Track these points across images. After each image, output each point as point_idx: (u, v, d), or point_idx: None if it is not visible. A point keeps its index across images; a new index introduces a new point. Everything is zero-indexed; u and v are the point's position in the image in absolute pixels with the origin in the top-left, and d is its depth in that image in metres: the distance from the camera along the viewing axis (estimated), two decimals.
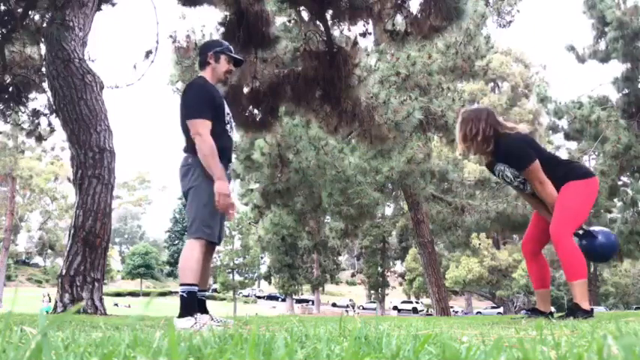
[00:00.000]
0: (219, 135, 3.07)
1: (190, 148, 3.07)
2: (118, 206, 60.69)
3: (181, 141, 3.21)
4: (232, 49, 3.31)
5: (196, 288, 2.92)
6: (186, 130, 3.08)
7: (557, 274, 31.30)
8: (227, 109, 3.21)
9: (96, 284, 6.15)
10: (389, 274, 44.41)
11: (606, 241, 3.37)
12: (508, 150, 3.31)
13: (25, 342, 0.96)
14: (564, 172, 3.32)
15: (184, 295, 2.86)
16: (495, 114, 3.44)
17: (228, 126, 3.18)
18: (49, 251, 57.71)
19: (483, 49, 12.45)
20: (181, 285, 2.90)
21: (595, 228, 3.50)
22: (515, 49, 42.31)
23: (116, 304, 37.39)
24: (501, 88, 41.44)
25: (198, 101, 3.04)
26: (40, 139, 11.37)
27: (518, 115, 39.69)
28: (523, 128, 3.44)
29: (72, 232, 6.30)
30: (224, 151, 3.08)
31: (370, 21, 6.61)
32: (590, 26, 13.34)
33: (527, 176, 3.29)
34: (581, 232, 3.40)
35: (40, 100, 11.09)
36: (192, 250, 2.93)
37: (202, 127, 2.96)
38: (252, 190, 13.03)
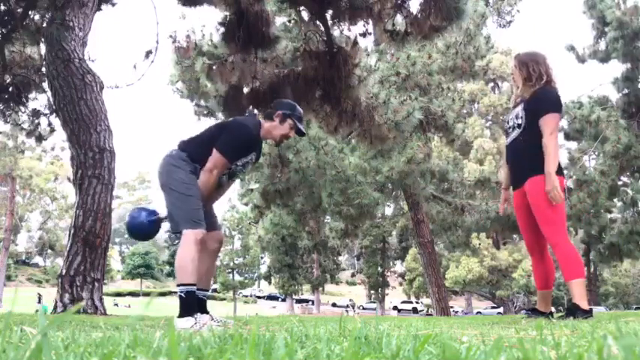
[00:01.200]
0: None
1: (183, 144, 3.10)
2: (118, 206, 60.66)
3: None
4: (302, 117, 3.29)
5: (194, 287, 2.90)
6: (202, 141, 3.10)
7: (557, 274, 31.27)
8: (242, 161, 3.18)
9: (96, 284, 6.15)
10: (389, 274, 44.42)
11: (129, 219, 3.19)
12: (547, 94, 3.33)
13: (25, 342, 0.96)
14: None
15: (183, 295, 2.86)
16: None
17: (227, 171, 3.16)
18: (49, 251, 57.73)
19: (483, 49, 12.45)
20: (179, 285, 2.89)
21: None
22: (515, 49, 42.29)
23: (116, 304, 37.39)
24: (501, 88, 41.42)
25: (237, 145, 3.09)
26: (40, 139, 11.37)
27: None
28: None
29: (72, 232, 6.30)
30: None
31: (370, 21, 6.61)
32: (590, 26, 13.34)
33: (546, 122, 3.27)
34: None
35: (40, 100, 11.09)
36: (186, 248, 2.90)
37: (221, 167, 3.03)
38: (252, 190, 13.03)
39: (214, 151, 3.00)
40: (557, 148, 3.28)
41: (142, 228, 3.16)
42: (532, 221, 3.38)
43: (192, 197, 2.95)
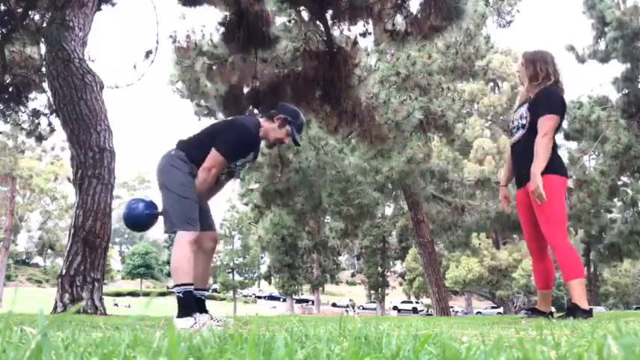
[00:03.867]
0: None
1: (182, 144, 3.10)
2: (117, 206, 60.60)
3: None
4: (303, 128, 3.28)
5: (191, 287, 2.90)
6: (201, 140, 3.09)
7: (557, 274, 31.26)
8: (241, 161, 3.17)
9: (96, 284, 6.15)
10: (389, 274, 44.41)
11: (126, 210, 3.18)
12: (550, 95, 3.32)
13: (25, 342, 0.96)
14: (553, 161, 3.32)
15: (181, 295, 2.86)
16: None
17: (226, 171, 3.15)
18: (49, 251, 57.71)
19: (483, 49, 12.44)
20: (175, 286, 2.89)
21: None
22: (515, 49, 42.28)
23: (116, 304, 37.40)
24: (501, 88, 41.40)
25: (236, 144, 3.07)
26: (40, 139, 11.37)
27: None
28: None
29: (72, 232, 6.30)
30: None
31: (370, 21, 6.61)
32: (590, 26, 13.34)
33: (541, 123, 3.27)
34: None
35: (40, 100, 11.09)
36: (180, 248, 2.90)
37: (219, 166, 3.02)
38: (252, 190, 13.03)
39: (213, 150, 3.00)
40: (548, 150, 3.25)
41: (139, 220, 3.14)
42: (534, 220, 3.39)
43: (188, 199, 2.95)
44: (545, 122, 3.26)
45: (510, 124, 3.62)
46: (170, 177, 3.00)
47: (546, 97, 3.32)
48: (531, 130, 3.33)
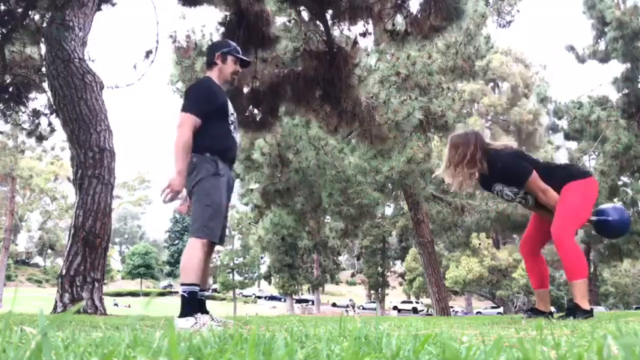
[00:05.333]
0: (224, 135, 3.10)
1: (194, 146, 3.08)
2: (117, 206, 60.67)
3: None
4: (240, 50, 3.33)
5: (197, 288, 2.92)
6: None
7: (557, 274, 31.29)
8: (231, 110, 3.22)
9: (96, 284, 6.15)
10: (389, 274, 44.42)
11: (619, 217, 3.49)
12: (505, 169, 3.34)
13: (25, 342, 0.96)
14: (563, 174, 3.36)
15: (185, 294, 2.87)
16: (483, 135, 3.48)
17: (232, 126, 3.18)
18: (49, 251, 57.75)
19: (483, 49, 12.45)
20: (182, 285, 2.90)
21: (606, 206, 3.59)
22: (515, 49, 42.30)
23: (116, 304, 37.43)
24: (501, 88, 41.43)
25: (194, 98, 3.09)
26: (40, 139, 11.36)
27: (518, 115, 39.69)
28: (512, 144, 3.51)
29: (72, 232, 6.30)
30: (227, 151, 3.11)
31: (370, 21, 6.60)
32: (590, 26, 13.34)
33: (529, 188, 3.32)
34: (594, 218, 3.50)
35: (40, 100, 11.08)
36: (193, 249, 2.93)
37: (186, 121, 2.99)
38: (252, 190, 13.02)
39: (180, 113, 3.04)
40: (555, 195, 3.29)
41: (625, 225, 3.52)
42: (537, 232, 3.46)
43: (210, 207, 2.95)
44: (532, 184, 3.30)
45: (496, 195, 3.60)
46: (197, 182, 2.99)
47: (508, 173, 3.34)
48: (527, 192, 3.39)
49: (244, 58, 3.31)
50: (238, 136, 3.41)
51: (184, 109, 3.04)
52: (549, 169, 3.41)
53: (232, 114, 3.23)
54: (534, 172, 3.29)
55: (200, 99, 3.07)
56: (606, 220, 3.47)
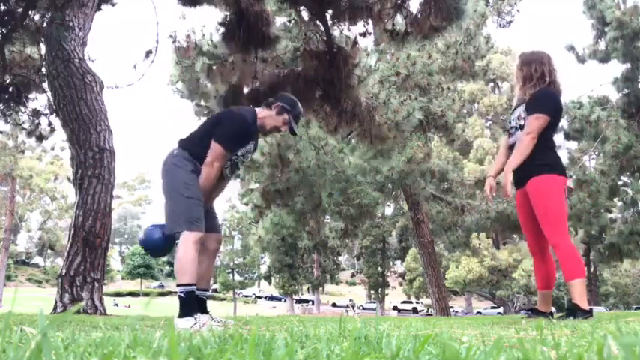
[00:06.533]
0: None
1: (183, 143, 3.09)
2: (117, 206, 60.69)
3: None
4: (300, 117, 3.29)
5: (194, 287, 2.90)
6: (201, 136, 3.08)
7: (557, 274, 31.25)
8: (242, 151, 3.17)
9: (96, 284, 6.15)
10: (389, 274, 44.43)
11: (144, 237, 3.16)
12: (544, 95, 3.34)
13: (25, 342, 0.96)
14: (552, 160, 3.34)
15: (182, 295, 2.86)
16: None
17: (229, 164, 3.14)
18: (49, 251, 57.75)
19: (483, 49, 12.45)
20: (178, 285, 2.89)
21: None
22: (515, 49, 42.28)
23: (116, 304, 37.43)
24: (501, 88, 41.40)
25: (232, 134, 3.06)
26: (40, 139, 11.36)
27: None
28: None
29: (72, 232, 6.30)
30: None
31: (370, 21, 6.60)
32: (590, 26, 13.33)
33: (529, 121, 3.30)
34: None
35: (40, 100, 11.08)
36: (185, 249, 2.90)
37: (221, 158, 3.01)
38: (252, 190, 13.02)
39: (213, 143, 2.99)
40: (528, 148, 3.28)
41: (157, 245, 3.10)
42: (533, 221, 3.39)
43: (192, 199, 2.93)
44: (532, 121, 3.29)
45: (507, 124, 3.64)
46: (174, 177, 2.99)
47: (538, 98, 3.34)
48: (524, 125, 3.38)
49: (295, 128, 3.20)
50: (231, 176, 3.30)
51: (222, 143, 3.00)
52: (550, 144, 3.39)
53: (237, 155, 3.15)
54: (548, 118, 3.29)
55: (236, 138, 3.07)
56: (144, 241, 3.16)
